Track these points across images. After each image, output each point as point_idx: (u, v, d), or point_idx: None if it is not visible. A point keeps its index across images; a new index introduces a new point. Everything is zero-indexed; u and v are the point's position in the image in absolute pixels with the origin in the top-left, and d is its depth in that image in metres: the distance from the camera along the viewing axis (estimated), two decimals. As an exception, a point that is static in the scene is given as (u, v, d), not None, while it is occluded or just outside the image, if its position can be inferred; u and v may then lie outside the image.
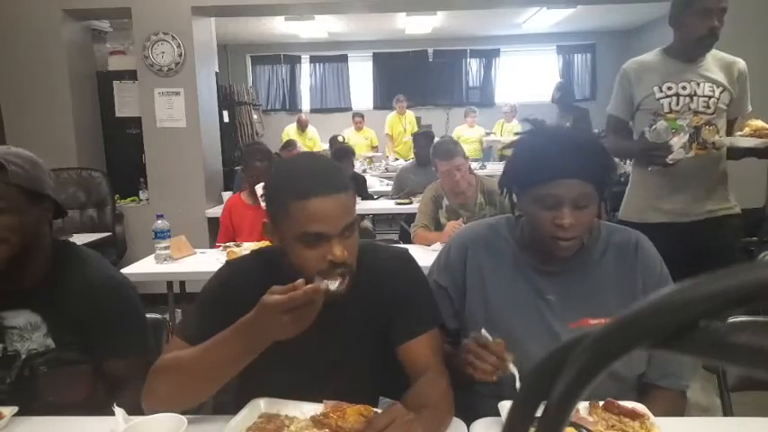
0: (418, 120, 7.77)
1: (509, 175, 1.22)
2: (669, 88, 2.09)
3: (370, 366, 1.18)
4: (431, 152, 3.06)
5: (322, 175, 1.04)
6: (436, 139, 4.02)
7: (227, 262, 1.25)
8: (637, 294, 1.20)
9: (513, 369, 1.04)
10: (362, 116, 7.55)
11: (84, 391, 1.26)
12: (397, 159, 6.94)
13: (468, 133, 7.24)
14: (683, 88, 2.08)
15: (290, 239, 1.04)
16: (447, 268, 1.32)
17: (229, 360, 0.98)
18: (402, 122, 7.35)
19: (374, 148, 7.49)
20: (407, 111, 7.50)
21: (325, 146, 6.85)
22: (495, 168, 6.26)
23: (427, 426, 0.97)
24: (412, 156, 5.27)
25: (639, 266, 1.22)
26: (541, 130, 1.21)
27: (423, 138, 4.42)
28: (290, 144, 5.21)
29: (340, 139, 6.97)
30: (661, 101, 2.09)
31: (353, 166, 4.75)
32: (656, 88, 2.10)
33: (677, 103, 2.07)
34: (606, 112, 2.29)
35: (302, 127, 7.44)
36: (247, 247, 2.64)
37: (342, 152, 4.53)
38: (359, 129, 7.46)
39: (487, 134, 7.45)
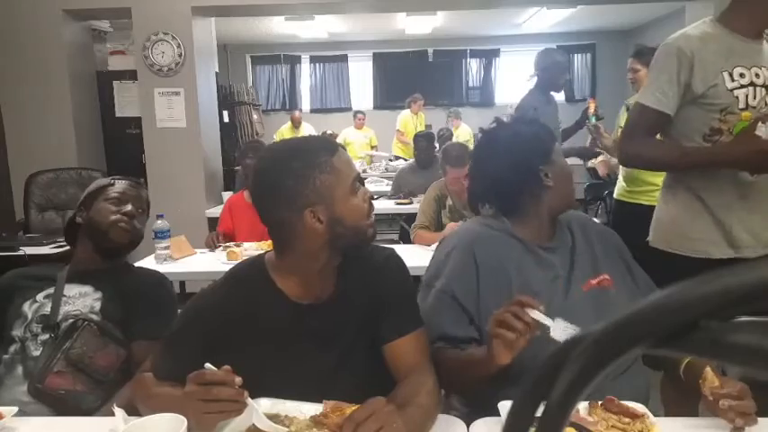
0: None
1: (499, 178, 1.30)
2: (741, 75, 1.56)
3: (367, 369, 1.18)
4: (440, 155, 3.04)
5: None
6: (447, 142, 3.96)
7: (201, 291, 1.21)
8: (615, 255, 1.33)
9: (546, 320, 1.02)
10: (364, 114, 7.54)
11: (109, 365, 1.39)
12: (398, 159, 6.92)
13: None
14: (757, 76, 1.56)
15: (344, 196, 1.08)
16: (455, 274, 1.25)
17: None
18: (414, 122, 7.28)
19: (373, 148, 7.48)
20: (420, 112, 7.38)
21: None
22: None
23: (409, 422, 0.98)
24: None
25: (601, 237, 1.36)
26: (502, 122, 1.40)
27: (423, 140, 4.38)
28: None
29: (329, 132, 6.97)
30: (735, 92, 1.55)
31: None
32: (725, 75, 1.55)
33: (754, 97, 1.56)
34: (636, 102, 1.70)
35: (296, 124, 7.41)
36: (248, 247, 2.64)
37: None
38: (359, 127, 7.44)
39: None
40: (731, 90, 1.55)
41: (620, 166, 3.20)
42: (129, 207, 1.54)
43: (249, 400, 0.96)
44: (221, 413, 0.94)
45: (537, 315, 1.02)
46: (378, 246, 1.26)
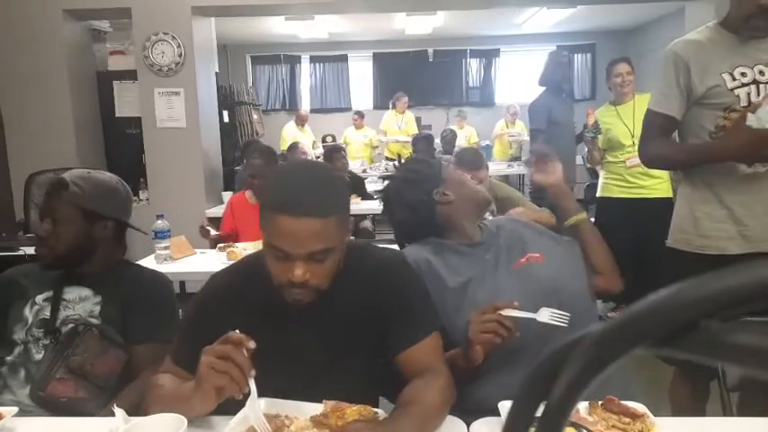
0: (418, 120, 7.72)
1: (421, 201, 1.44)
2: (743, 74, 1.63)
3: (367, 368, 1.17)
4: (453, 160, 2.98)
5: (306, 194, 1.03)
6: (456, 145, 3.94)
7: (213, 275, 1.26)
8: (541, 231, 1.51)
9: (527, 314, 1.13)
10: (362, 114, 7.52)
11: (110, 370, 1.38)
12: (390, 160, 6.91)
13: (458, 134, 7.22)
14: (761, 73, 1.63)
15: (265, 242, 1.08)
16: None
17: (195, 409, 1.01)
18: (396, 121, 7.29)
19: (375, 148, 7.48)
20: (408, 111, 7.42)
21: (317, 151, 6.86)
22: (496, 168, 6.27)
23: (411, 420, 0.99)
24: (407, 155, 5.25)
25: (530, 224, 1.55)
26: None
27: (422, 141, 4.40)
28: (293, 147, 5.18)
29: (329, 139, 6.98)
30: (736, 91, 1.63)
31: (347, 164, 4.74)
32: (726, 76, 1.64)
33: (758, 94, 1.63)
34: (648, 108, 1.80)
35: (302, 122, 7.40)
36: (247, 247, 2.64)
37: (332, 150, 4.53)
38: (358, 127, 7.44)
39: (478, 143, 7.42)
40: (732, 90, 1.64)
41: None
42: (41, 231, 1.42)
43: (252, 385, 0.97)
44: (225, 375, 0.94)
45: (515, 313, 1.11)
46: (384, 249, 1.26)
